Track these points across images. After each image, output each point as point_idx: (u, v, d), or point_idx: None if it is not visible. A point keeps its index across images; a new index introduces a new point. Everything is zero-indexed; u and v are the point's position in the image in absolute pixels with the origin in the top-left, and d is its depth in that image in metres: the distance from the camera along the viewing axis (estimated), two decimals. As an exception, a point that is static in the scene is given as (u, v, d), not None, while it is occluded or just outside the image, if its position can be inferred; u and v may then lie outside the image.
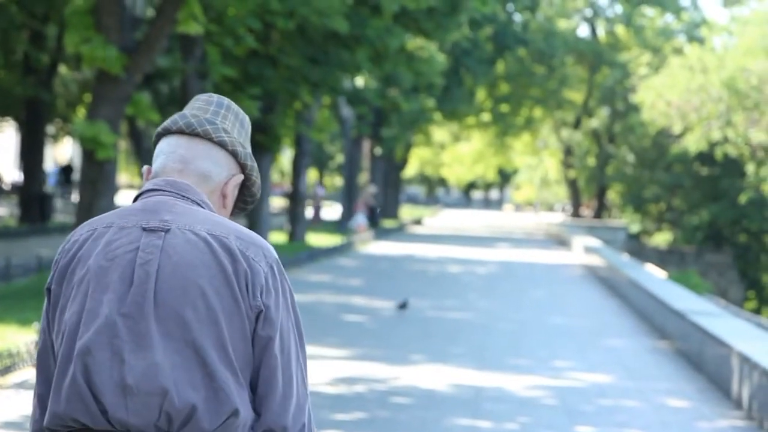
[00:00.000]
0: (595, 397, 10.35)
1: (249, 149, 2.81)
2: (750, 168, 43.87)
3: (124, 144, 45.48)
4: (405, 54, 28.52)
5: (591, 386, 10.98)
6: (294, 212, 30.89)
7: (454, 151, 73.52)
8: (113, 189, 15.69)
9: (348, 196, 41.52)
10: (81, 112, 34.94)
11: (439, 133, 65.43)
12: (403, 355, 12.31)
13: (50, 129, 38.36)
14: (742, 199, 46.02)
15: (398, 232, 44.65)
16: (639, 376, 11.73)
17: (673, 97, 43.68)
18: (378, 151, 46.75)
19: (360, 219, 37.94)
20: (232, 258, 2.60)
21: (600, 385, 11.05)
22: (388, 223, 47.67)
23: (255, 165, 2.81)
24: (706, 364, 11.90)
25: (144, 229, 2.62)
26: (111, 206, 15.52)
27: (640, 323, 16.75)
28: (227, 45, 20.58)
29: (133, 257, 2.59)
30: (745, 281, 48.44)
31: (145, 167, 2.79)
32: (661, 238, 53.92)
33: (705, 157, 48.49)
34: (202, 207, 2.70)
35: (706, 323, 12.39)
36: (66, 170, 21.93)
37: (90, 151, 15.33)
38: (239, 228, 2.67)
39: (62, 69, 34.40)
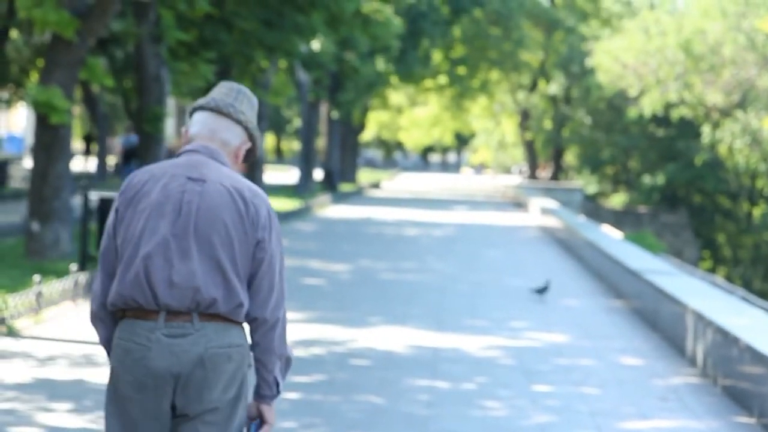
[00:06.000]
0: (551, 357, 10.43)
1: (255, 123, 4.00)
2: (705, 129, 44.10)
3: (78, 110, 45.07)
4: (361, 17, 28.38)
5: (547, 346, 11.06)
6: (252, 176, 30.79)
7: (411, 114, 73.42)
8: (68, 154, 15.53)
9: (306, 161, 41.41)
10: (34, 77, 34.55)
11: (396, 96, 65.31)
12: (361, 318, 12.35)
13: (3, 95, 37.92)
14: (698, 160, 46.30)
15: (356, 196, 44.63)
16: (595, 335, 11.83)
17: (628, 59, 43.83)
18: (335, 114, 46.61)
19: None
20: (244, 204, 3.83)
21: (556, 345, 11.14)
22: (345, 187, 47.64)
23: (259, 134, 4.00)
24: (661, 322, 12.02)
25: (188, 178, 3.84)
26: (66, 172, 15.37)
27: (597, 283, 16.87)
28: (181, 8, 20.35)
29: (181, 197, 3.81)
30: (700, 241, 48.87)
31: (183, 128, 3.98)
32: (618, 200, 54.23)
33: (661, 119, 48.72)
34: (225, 166, 3.91)
35: (661, 282, 12.50)
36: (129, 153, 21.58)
37: (44, 116, 15.18)
38: (250, 183, 3.89)
39: (14, 34, 33.98)
